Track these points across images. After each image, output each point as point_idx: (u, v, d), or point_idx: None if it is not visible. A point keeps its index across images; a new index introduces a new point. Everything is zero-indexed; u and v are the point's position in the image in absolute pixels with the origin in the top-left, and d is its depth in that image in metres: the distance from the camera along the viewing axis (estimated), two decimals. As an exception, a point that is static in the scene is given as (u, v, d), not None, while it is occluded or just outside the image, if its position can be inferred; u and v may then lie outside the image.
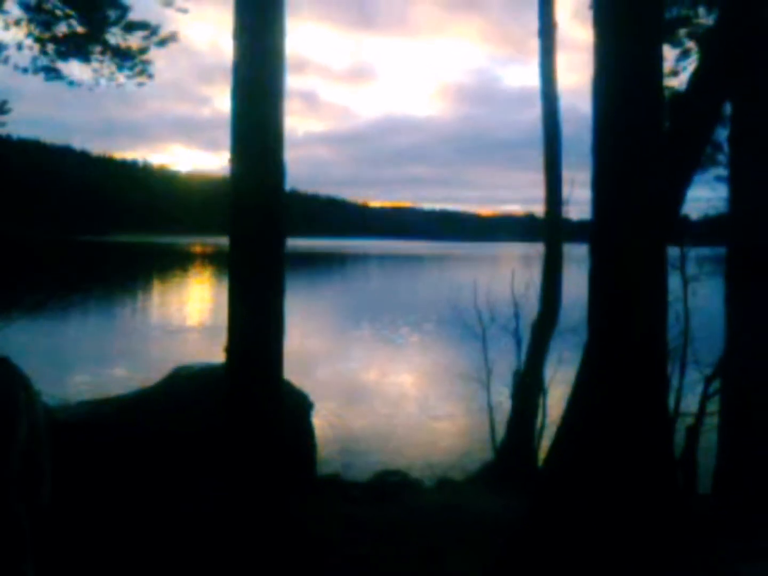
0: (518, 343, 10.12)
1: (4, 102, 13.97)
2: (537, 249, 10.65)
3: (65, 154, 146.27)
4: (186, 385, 6.62)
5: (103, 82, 9.33)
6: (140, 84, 9.62)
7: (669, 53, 9.78)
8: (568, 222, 11.10)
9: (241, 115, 3.91)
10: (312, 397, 7.22)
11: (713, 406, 7.34)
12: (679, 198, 4.91)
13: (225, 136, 4.24)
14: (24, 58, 8.92)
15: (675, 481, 5.19)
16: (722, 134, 8.91)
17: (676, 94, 8.88)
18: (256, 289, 3.97)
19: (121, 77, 9.29)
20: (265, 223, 3.90)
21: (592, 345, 4.48)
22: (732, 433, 5.23)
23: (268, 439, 3.94)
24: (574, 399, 4.47)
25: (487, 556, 4.63)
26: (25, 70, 9.03)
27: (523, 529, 4.28)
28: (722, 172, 9.31)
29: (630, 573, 3.80)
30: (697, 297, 8.77)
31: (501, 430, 9.83)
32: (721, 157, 9.28)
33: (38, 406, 2.20)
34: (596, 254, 4.69)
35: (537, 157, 10.77)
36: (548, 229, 10.39)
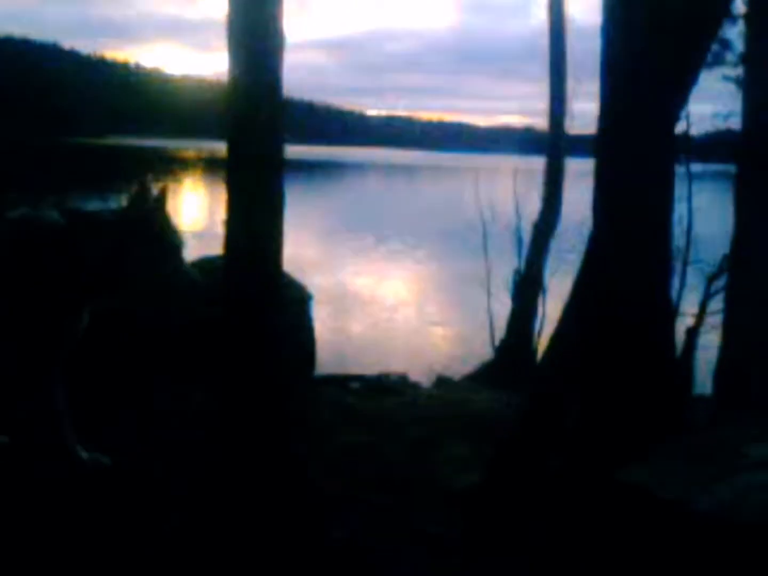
0: (519, 242, 10.11)
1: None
2: (538, 162, 10.61)
3: (53, 53, 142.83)
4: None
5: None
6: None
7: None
8: (567, 136, 11.04)
9: (238, 15, 3.72)
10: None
11: (714, 306, 7.35)
12: (686, 86, 4.73)
13: (215, 37, 4.05)
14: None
15: (676, 379, 5.20)
16: (731, 32, 8.70)
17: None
18: (254, 184, 3.84)
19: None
20: (264, 123, 3.75)
21: (594, 240, 4.38)
22: (736, 330, 5.21)
23: (267, 327, 3.86)
24: (575, 294, 4.39)
25: (484, 445, 4.68)
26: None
27: (519, 420, 4.28)
28: (730, 72, 9.13)
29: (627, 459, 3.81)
30: (701, 199, 8.71)
31: (501, 331, 9.91)
32: (730, 56, 9.07)
33: None
34: (601, 146, 4.58)
35: (535, 69, 10.64)
36: (552, 131, 10.30)
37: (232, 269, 3.84)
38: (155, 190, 3.33)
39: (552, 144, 10.49)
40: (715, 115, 8.84)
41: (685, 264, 8.16)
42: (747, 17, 5.87)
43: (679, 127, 8.87)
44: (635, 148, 4.16)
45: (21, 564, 3.15)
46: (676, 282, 7.82)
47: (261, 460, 3.72)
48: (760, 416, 4.20)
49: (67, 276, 3.20)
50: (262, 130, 3.73)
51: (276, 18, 3.70)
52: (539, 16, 10.81)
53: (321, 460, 4.56)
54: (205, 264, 6.50)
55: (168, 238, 3.36)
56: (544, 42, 10.72)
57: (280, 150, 3.81)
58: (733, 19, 8.18)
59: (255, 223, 3.78)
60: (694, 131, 9.97)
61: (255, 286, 3.78)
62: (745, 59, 5.67)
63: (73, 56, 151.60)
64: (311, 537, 3.69)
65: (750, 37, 5.63)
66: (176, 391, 4.93)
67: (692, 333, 7.57)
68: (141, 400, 5.12)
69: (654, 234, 4.40)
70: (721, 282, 7.47)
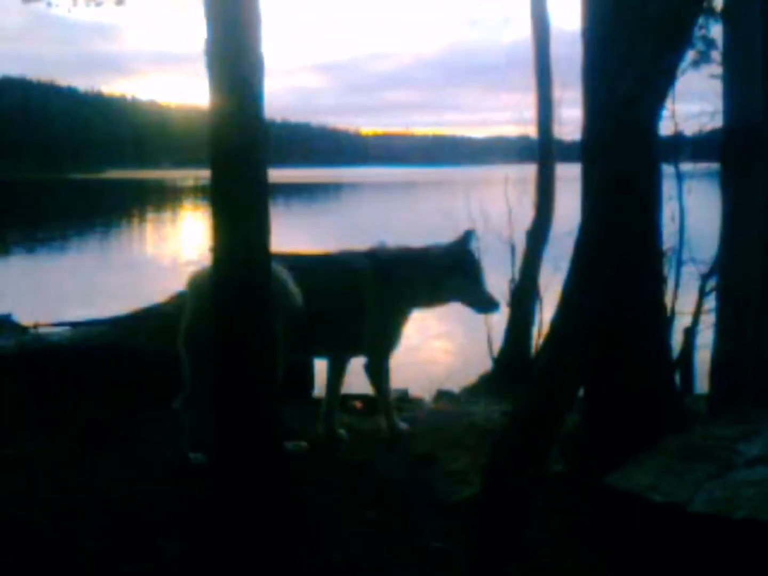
0: (512, 251, 10.12)
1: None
2: (532, 169, 10.63)
3: (51, 91, 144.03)
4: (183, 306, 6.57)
5: (81, 1, 9.07)
6: (119, 2, 9.38)
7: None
8: (560, 143, 11.07)
9: (216, 40, 3.74)
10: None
11: (711, 304, 7.32)
12: (665, 82, 4.75)
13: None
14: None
15: (672, 381, 5.18)
16: (715, 30, 8.74)
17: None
18: (238, 207, 3.84)
19: (99, -5, 9.03)
20: (245, 146, 3.77)
21: (582, 243, 4.36)
22: (728, 328, 5.19)
23: (259, 348, 3.86)
24: (564, 300, 4.35)
25: (483, 457, 4.65)
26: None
27: (515, 428, 4.24)
28: (715, 70, 9.15)
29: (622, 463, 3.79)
30: (696, 198, 8.69)
31: (498, 343, 9.90)
32: (716, 54, 9.08)
33: None
34: (586, 149, 4.61)
35: (525, 78, 10.75)
36: (541, 138, 10.33)
37: (219, 293, 3.85)
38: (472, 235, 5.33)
39: (542, 151, 10.53)
40: (701, 114, 8.85)
41: (679, 264, 8.17)
42: (724, 14, 5.88)
43: (669, 128, 8.92)
44: (618, 151, 4.16)
45: None
46: (671, 282, 7.84)
47: (254, 484, 3.71)
48: (754, 413, 4.19)
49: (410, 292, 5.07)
50: (244, 154, 3.75)
51: (254, 42, 3.73)
52: (527, 26, 10.91)
53: (319, 480, 4.55)
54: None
55: (477, 269, 5.14)
56: (532, 51, 10.81)
57: (263, 173, 3.82)
58: (717, 17, 8.20)
59: (240, 247, 3.79)
60: (686, 131, 9.99)
61: (244, 309, 3.79)
62: (724, 57, 5.67)
63: (70, 93, 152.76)
64: (310, 558, 3.67)
65: (727, 34, 5.65)
66: (170, 419, 4.93)
67: (690, 332, 7.57)
68: (130, 427, 5.16)
69: (642, 236, 4.41)
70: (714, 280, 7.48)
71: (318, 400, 6.55)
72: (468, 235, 5.23)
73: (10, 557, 3.53)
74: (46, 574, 3.44)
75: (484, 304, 5.22)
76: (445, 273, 5.00)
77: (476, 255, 5.25)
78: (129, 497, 4.25)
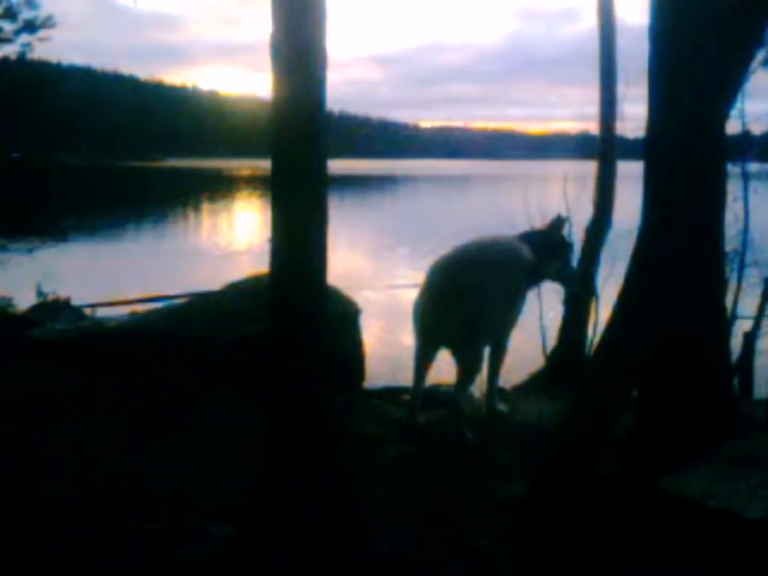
0: (571, 247, 9.96)
1: (50, 16, 13.92)
2: (592, 166, 10.47)
3: (115, 80, 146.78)
4: (236, 293, 6.61)
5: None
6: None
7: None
8: (623, 140, 10.88)
9: (281, 33, 3.77)
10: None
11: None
12: (734, 85, 4.62)
13: (268, 58, 4.11)
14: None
15: (730, 385, 5.06)
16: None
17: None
18: (298, 198, 3.87)
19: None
20: (307, 138, 3.80)
21: (642, 245, 4.30)
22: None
23: (312, 339, 3.88)
24: (622, 301, 4.29)
25: (532, 455, 4.62)
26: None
27: (566, 428, 4.19)
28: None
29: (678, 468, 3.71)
30: (760, 197, 8.44)
31: (552, 340, 9.76)
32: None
33: None
34: (650, 148, 4.51)
35: (588, 73, 10.50)
36: (603, 134, 10.15)
37: (276, 284, 3.88)
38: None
39: (603, 148, 10.37)
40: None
41: (741, 266, 7.95)
42: None
43: (736, 126, 8.71)
44: (684, 150, 4.08)
45: None
46: (733, 284, 7.64)
47: (305, 475, 3.73)
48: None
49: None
50: (306, 145, 3.77)
51: (319, 35, 3.75)
52: (590, 19, 10.66)
53: (368, 472, 4.56)
54: (252, 282, 6.60)
55: (567, 249, 6.40)
56: (596, 45, 10.61)
57: (323, 165, 3.84)
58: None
59: (299, 237, 3.81)
60: (755, 131, 9.73)
61: (299, 300, 3.81)
62: None
63: (132, 82, 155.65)
64: (357, 550, 3.69)
65: None
66: (221, 405, 4.99)
67: (750, 336, 7.38)
68: (187, 414, 5.23)
69: (704, 237, 4.30)
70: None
71: (372, 392, 6.59)
72: (561, 220, 6.43)
73: (62, 537, 3.61)
74: (99, 556, 3.50)
75: (576, 285, 6.74)
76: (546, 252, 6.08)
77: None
78: (181, 482, 4.32)
